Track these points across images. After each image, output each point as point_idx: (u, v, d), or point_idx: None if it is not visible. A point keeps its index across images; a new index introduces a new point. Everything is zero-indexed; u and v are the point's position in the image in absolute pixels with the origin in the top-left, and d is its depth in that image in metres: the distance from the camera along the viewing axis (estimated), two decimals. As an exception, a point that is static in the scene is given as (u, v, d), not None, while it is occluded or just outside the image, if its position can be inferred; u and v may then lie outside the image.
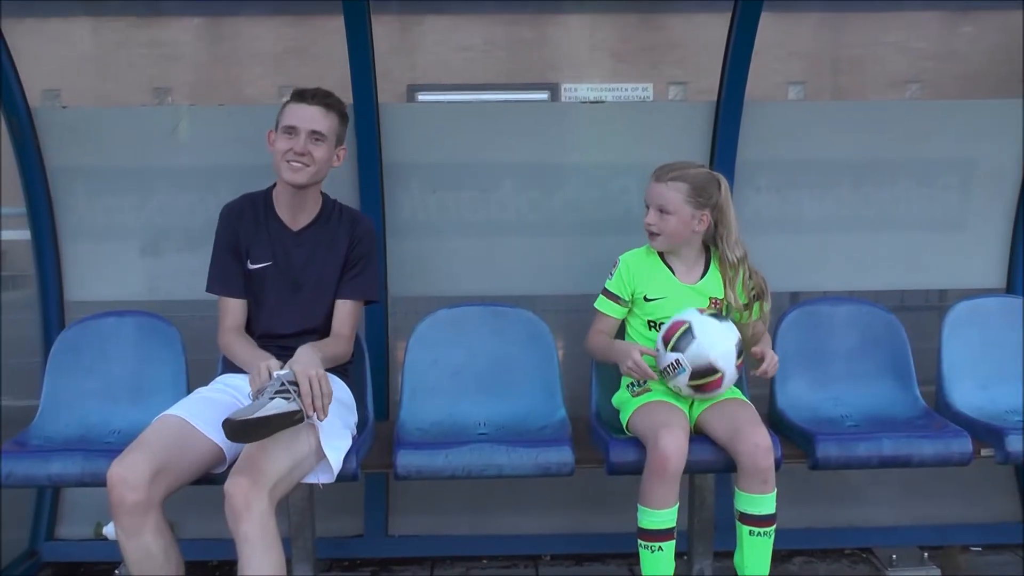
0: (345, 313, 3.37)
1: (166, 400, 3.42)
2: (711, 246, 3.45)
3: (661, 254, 3.44)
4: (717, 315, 3.28)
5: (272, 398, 2.80)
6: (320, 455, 3.02)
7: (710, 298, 3.39)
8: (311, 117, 3.27)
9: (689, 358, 3.15)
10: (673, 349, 3.17)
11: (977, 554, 4.15)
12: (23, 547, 4.04)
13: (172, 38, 15.53)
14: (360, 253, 3.38)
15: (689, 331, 3.16)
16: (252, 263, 3.34)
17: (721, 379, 3.18)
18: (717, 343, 3.17)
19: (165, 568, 2.89)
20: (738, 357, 3.20)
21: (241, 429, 2.74)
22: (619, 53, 15.79)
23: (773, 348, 3.43)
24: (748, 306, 3.41)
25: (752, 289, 3.40)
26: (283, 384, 2.84)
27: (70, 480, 3.19)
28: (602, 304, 3.46)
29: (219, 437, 2.96)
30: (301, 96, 3.30)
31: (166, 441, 2.95)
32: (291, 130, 3.26)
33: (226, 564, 3.87)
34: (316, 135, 3.27)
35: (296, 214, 3.38)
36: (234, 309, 3.36)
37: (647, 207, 3.38)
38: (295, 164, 3.26)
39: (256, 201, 3.41)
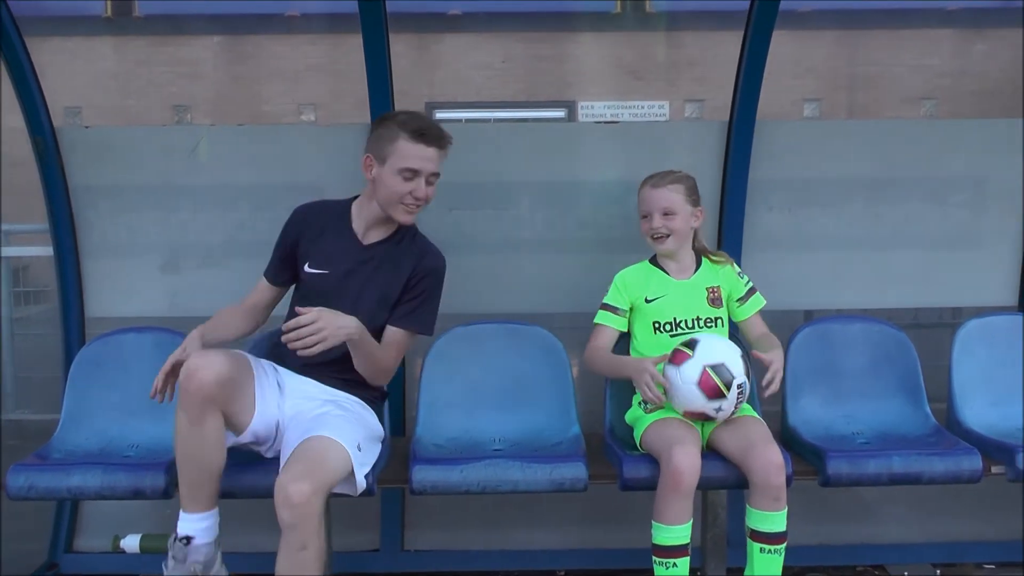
0: (393, 341, 3.31)
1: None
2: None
3: (655, 262, 3.58)
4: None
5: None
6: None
7: (707, 287, 3.52)
8: (431, 158, 3.26)
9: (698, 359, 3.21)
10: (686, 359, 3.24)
11: (989, 572, 4.15)
12: (43, 559, 4.10)
13: (193, 56, 15.71)
14: (423, 287, 3.33)
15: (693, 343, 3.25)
16: (310, 267, 3.33)
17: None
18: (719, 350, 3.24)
19: (213, 456, 2.96)
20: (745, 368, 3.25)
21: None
22: (637, 71, 15.86)
23: (785, 366, 3.46)
24: (748, 296, 3.56)
25: (742, 275, 3.59)
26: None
27: (89, 493, 3.24)
28: (601, 317, 3.56)
29: (260, 404, 3.10)
30: (421, 135, 3.24)
31: (236, 362, 3.00)
32: (411, 173, 3.23)
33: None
34: (435, 176, 3.30)
35: (371, 230, 3.36)
36: (260, 291, 3.44)
37: (645, 216, 3.52)
38: (412, 207, 3.29)
39: (331, 209, 3.40)
